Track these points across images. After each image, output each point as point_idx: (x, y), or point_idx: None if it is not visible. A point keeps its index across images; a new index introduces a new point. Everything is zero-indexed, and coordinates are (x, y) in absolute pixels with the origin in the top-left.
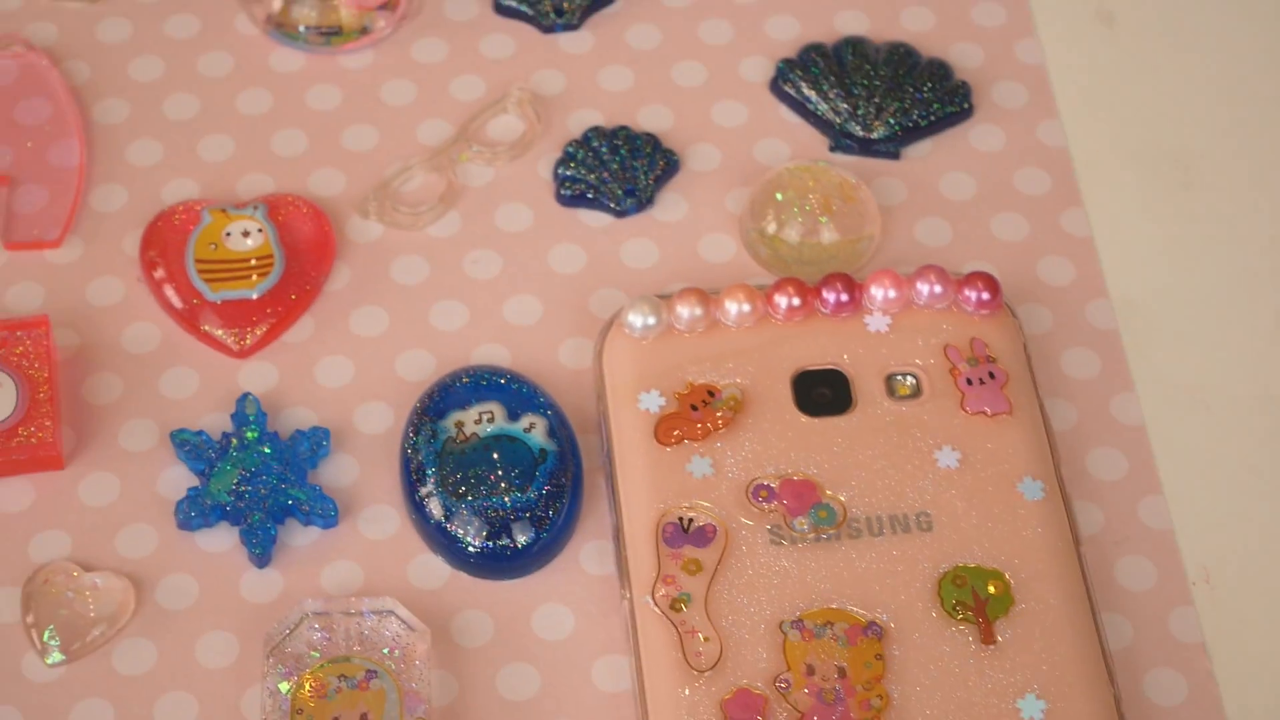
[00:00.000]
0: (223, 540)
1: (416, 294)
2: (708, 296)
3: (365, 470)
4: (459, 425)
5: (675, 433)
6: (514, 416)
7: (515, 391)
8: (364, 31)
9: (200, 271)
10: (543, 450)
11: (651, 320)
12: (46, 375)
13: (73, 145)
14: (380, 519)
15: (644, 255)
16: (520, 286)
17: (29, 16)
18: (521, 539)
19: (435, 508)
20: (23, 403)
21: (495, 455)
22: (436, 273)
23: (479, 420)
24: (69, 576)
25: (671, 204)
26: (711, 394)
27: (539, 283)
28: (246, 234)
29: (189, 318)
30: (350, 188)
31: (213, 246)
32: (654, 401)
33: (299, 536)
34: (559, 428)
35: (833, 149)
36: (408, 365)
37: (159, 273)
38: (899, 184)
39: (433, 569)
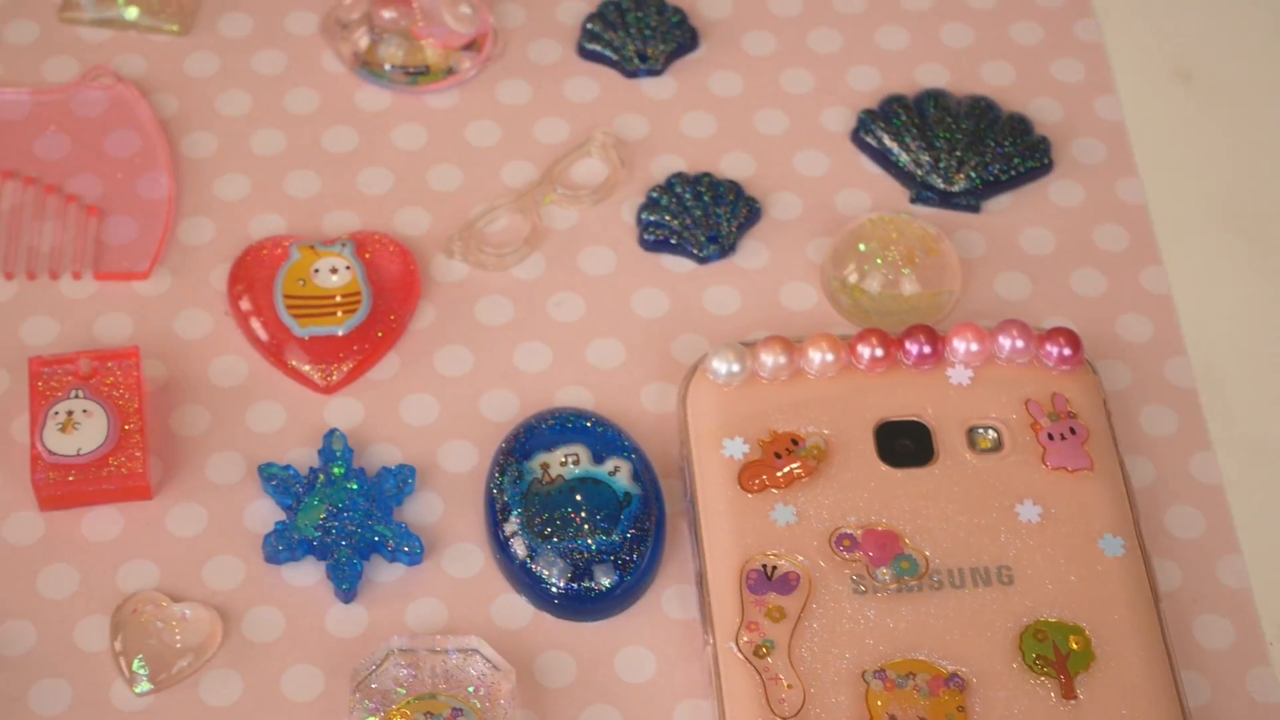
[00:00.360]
0: (309, 575)
1: (501, 334)
2: (792, 345)
3: (449, 508)
4: (544, 467)
5: (759, 480)
6: (599, 459)
7: (600, 435)
8: (449, 72)
9: (289, 307)
10: (627, 494)
11: (736, 367)
12: (136, 406)
13: (161, 178)
14: (464, 557)
15: (726, 302)
16: (603, 330)
17: (118, 48)
18: (605, 582)
19: (519, 547)
20: (113, 433)
21: (580, 498)
22: (520, 314)
23: (564, 462)
24: (158, 606)
25: (753, 251)
26: (795, 442)
27: (622, 326)
28: (334, 271)
29: (276, 352)
30: (435, 227)
31: (301, 282)
32: (738, 448)
33: (384, 573)
34: (643, 471)
35: (913, 200)
36: (492, 405)
37: (246, 307)
38: (979, 237)
39: (516, 609)
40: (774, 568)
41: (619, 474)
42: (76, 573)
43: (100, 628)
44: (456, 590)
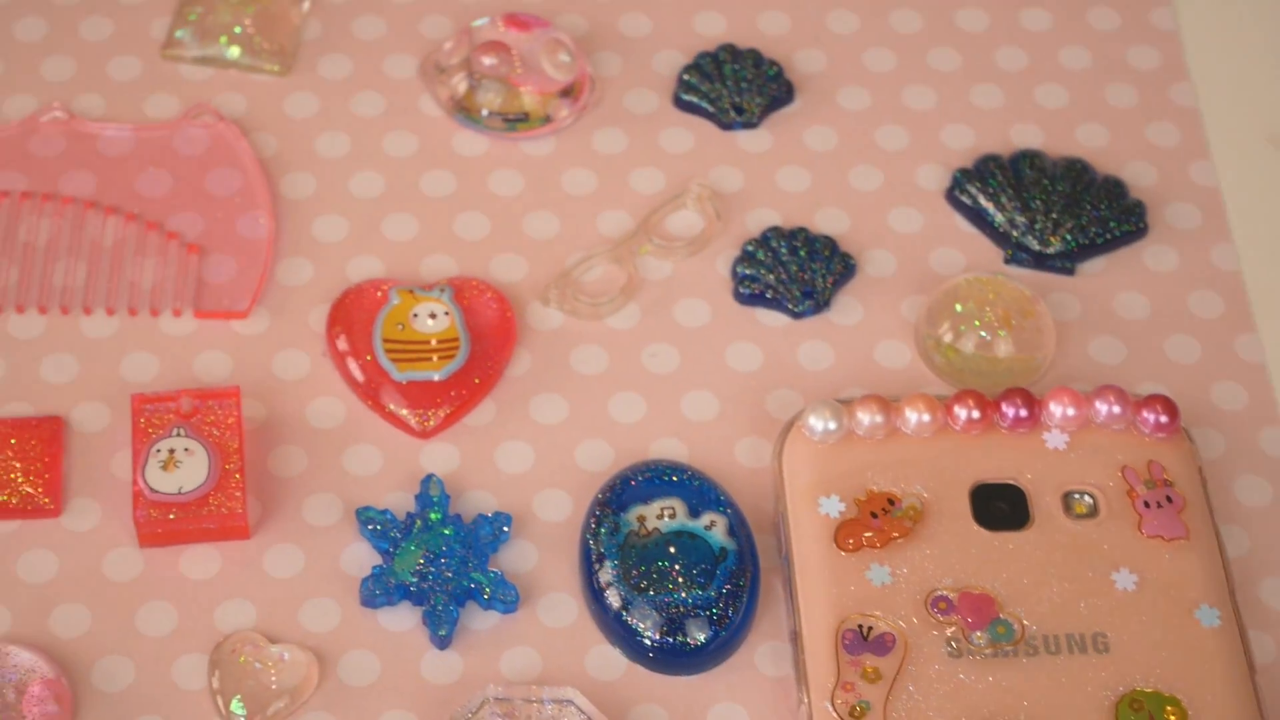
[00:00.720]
0: (404, 620)
1: (596, 384)
2: (889, 404)
3: (544, 557)
4: (641, 519)
5: (855, 539)
6: (695, 513)
7: (696, 488)
8: (547, 119)
9: (387, 351)
10: (723, 549)
11: (832, 425)
12: (236, 446)
13: (261, 217)
14: (558, 607)
15: (820, 357)
16: (697, 382)
17: (219, 87)
18: (700, 636)
19: (614, 598)
20: (214, 472)
21: (676, 551)
22: (615, 364)
23: (661, 515)
24: (256, 647)
25: (847, 308)
26: (892, 502)
27: (716, 379)
28: (433, 316)
29: (372, 394)
30: (531, 274)
31: (400, 327)
32: (834, 506)
33: (478, 620)
34: (738, 526)
35: (1007, 261)
36: (587, 455)
37: (343, 347)
38: (1073, 300)
39: (610, 661)
40: (870, 628)
41: (715, 528)
42: (175, 610)
43: (198, 666)
44: (551, 640)
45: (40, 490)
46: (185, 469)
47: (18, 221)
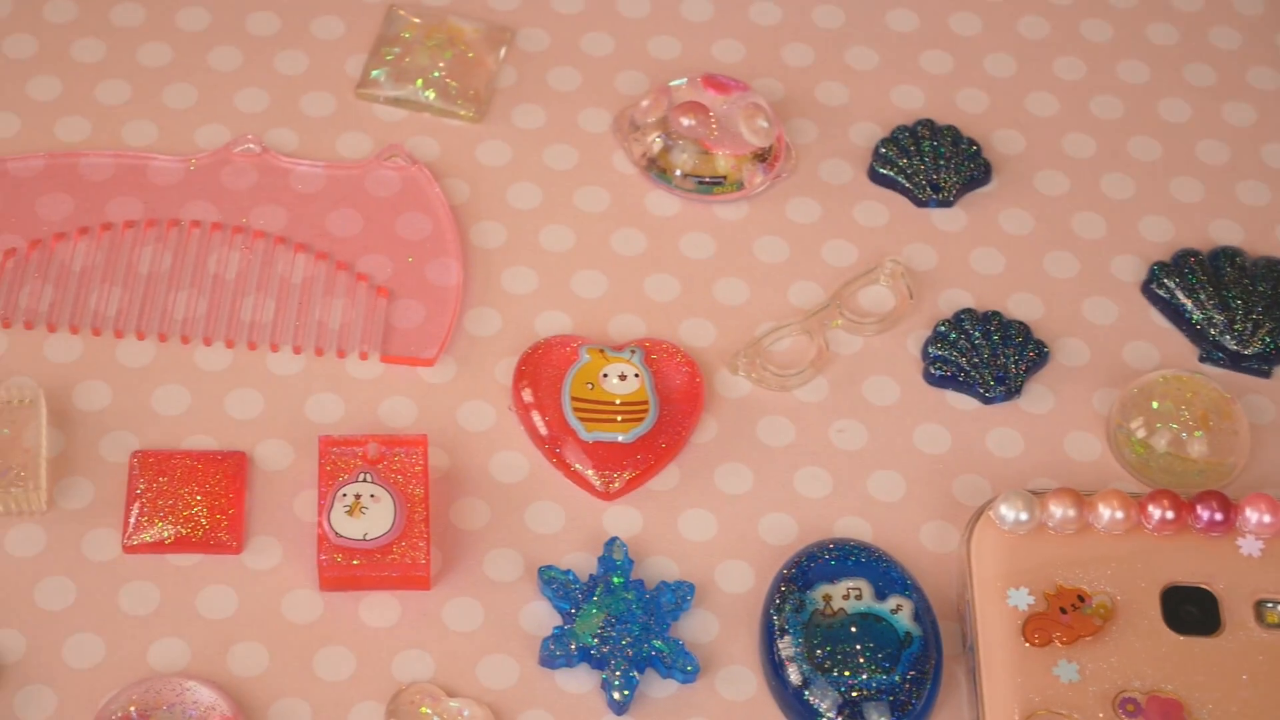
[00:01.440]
0: (582, 682)
1: (781, 456)
2: (1082, 498)
3: (724, 629)
4: (826, 598)
5: (1044, 634)
6: (881, 596)
7: (883, 570)
8: (740, 185)
9: (575, 410)
10: (908, 634)
11: (1024, 516)
12: (422, 495)
13: (451, 265)
14: (737, 680)
15: (1009, 445)
16: (884, 462)
17: (412, 129)
18: None
19: (795, 675)
20: (399, 520)
21: (861, 633)
22: (802, 437)
23: (846, 595)
24: (435, 699)
25: (1039, 396)
26: (1082, 599)
27: (903, 460)
28: (623, 377)
29: (558, 454)
30: (719, 340)
31: (589, 386)
32: (1023, 599)
33: (655, 688)
34: (924, 612)
35: (1202, 359)
36: (770, 528)
37: (529, 401)
38: (1268, 403)
39: None
40: None
41: (901, 612)
42: (353, 656)
43: (374, 714)
44: (728, 713)
45: (223, 526)
46: (371, 515)
47: (208, 253)
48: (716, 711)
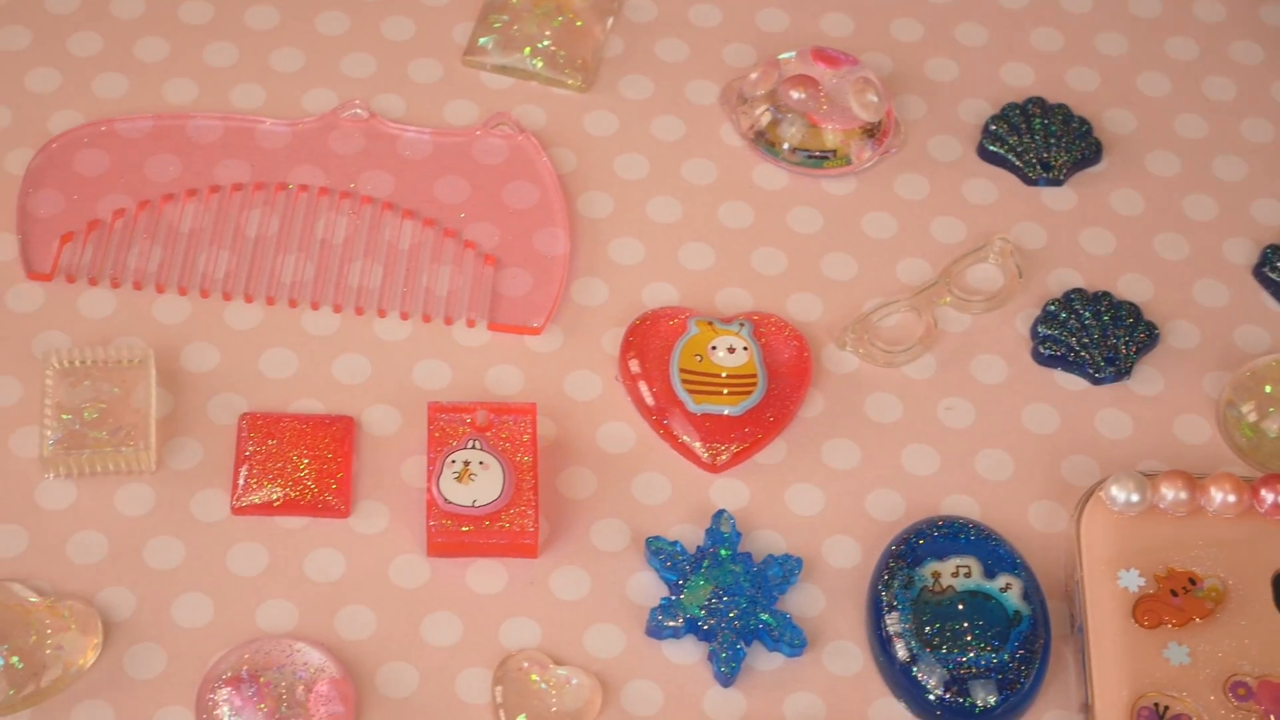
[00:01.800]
0: (688, 653)
1: (889, 433)
2: (1194, 481)
3: (830, 603)
4: (935, 575)
5: (1154, 616)
6: (990, 574)
7: (992, 548)
8: (848, 160)
9: (684, 382)
10: (1017, 612)
11: (1135, 497)
12: (530, 463)
13: (559, 234)
14: (844, 655)
15: (1118, 426)
16: (992, 440)
17: (519, 98)
18: (990, 700)
19: (902, 650)
20: (508, 488)
21: (969, 611)
22: (909, 414)
23: (955, 573)
24: (543, 668)
25: (1148, 378)
26: (1193, 581)
27: (1011, 439)
28: (732, 350)
29: (665, 425)
30: (827, 314)
31: (697, 358)
32: (1133, 580)
33: (762, 661)
34: (1032, 591)
35: None
36: (877, 504)
37: (636, 371)
38: None
39: (894, 715)
40: (1166, 707)
41: (1010, 591)
42: (460, 622)
43: (480, 681)
44: (835, 688)
45: (331, 489)
46: (480, 482)
47: (315, 217)
48: (822, 685)
